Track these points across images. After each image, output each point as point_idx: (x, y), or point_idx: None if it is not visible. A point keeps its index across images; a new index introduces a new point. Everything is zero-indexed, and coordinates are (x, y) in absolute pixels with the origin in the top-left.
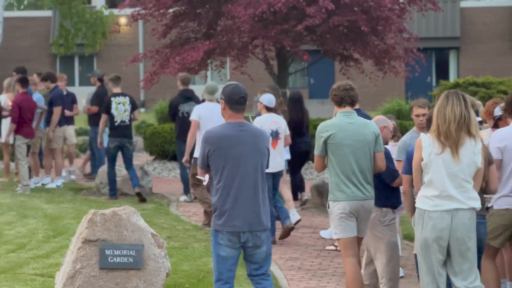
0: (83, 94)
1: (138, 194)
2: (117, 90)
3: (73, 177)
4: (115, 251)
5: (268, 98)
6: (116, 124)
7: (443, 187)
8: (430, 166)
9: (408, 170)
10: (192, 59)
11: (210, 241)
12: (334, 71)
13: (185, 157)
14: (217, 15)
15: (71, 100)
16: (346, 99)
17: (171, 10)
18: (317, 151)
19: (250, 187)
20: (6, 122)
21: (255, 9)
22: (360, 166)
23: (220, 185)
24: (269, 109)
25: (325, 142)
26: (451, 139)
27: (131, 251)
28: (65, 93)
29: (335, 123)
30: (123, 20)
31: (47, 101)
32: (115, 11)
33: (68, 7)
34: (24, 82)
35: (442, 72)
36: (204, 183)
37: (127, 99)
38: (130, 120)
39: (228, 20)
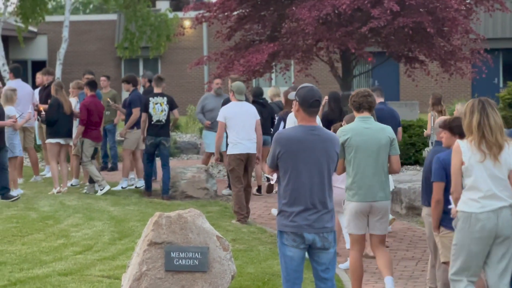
0: None
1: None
2: (157, 90)
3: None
4: (180, 253)
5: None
6: (152, 123)
7: (488, 187)
8: (471, 170)
9: (442, 177)
10: (257, 61)
11: (276, 243)
12: (399, 73)
13: (216, 156)
14: (281, 17)
15: None
16: (364, 105)
17: (235, 13)
18: None
19: (317, 190)
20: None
21: (319, 11)
22: (374, 169)
23: (287, 187)
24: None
25: (343, 145)
26: (496, 147)
27: (196, 254)
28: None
29: (352, 128)
30: (187, 23)
31: (119, 102)
32: (180, 14)
33: (133, 11)
34: (92, 85)
35: (510, 73)
36: (272, 182)
37: (164, 100)
38: (168, 120)
39: (293, 23)
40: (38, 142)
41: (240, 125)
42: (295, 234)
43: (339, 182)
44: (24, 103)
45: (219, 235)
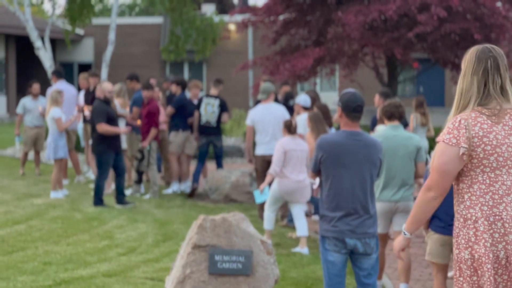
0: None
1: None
2: (213, 91)
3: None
4: (224, 256)
5: (303, 99)
6: (202, 123)
7: None
8: None
9: None
10: (302, 66)
11: (319, 248)
12: (444, 79)
13: (247, 158)
14: (327, 22)
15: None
16: (395, 114)
17: (281, 17)
18: None
19: (359, 196)
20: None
21: (365, 16)
22: (400, 173)
23: (329, 192)
24: (305, 109)
25: None
26: None
27: (240, 257)
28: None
29: (382, 134)
30: (232, 27)
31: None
32: (225, 17)
33: (179, 14)
34: (150, 88)
35: None
36: (314, 186)
37: (216, 102)
38: (218, 121)
39: (338, 28)
40: (82, 144)
41: (266, 127)
42: (336, 239)
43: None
44: (69, 105)
45: (263, 239)
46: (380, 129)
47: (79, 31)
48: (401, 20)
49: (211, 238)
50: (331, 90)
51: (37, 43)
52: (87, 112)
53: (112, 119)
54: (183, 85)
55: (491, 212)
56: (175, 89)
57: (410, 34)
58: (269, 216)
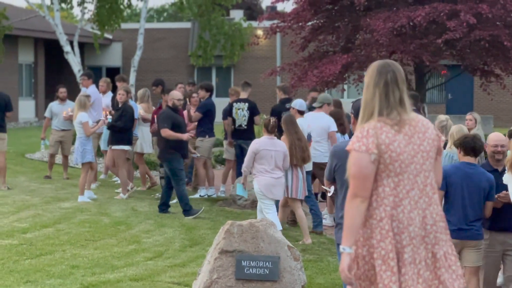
0: (221, 105)
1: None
2: (242, 95)
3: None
4: (251, 262)
5: (299, 103)
6: (235, 127)
7: None
8: None
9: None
10: (330, 72)
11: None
12: (473, 87)
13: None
14: (355, 28)
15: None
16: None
17: (309, 23)
18: None
19: None
20: (145, 132)
21: (394, 22)
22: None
23: (345, 199)
24: (301, 113)
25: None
26: None
27: (267, 263)
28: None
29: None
30: (260, 32)
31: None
32: (253, 23)
33: (208, 19)
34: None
35: None
36: (329, 194)
37: (246, 105)
38: (249, 124)
39: (367, 34)
40: (103, 147)
41: (320, 134)
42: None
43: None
44: (97, 109)
45: (290, 244)
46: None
47: (108, 35)
48: (430, 27)
49: (238, 244)
50: (358, 97)
51: (66, 47)
52: (109, 116)
53: (178, 126)
54: (210, 90)
55: (392, 212)
56: (203, 94)
57: (439, 40)
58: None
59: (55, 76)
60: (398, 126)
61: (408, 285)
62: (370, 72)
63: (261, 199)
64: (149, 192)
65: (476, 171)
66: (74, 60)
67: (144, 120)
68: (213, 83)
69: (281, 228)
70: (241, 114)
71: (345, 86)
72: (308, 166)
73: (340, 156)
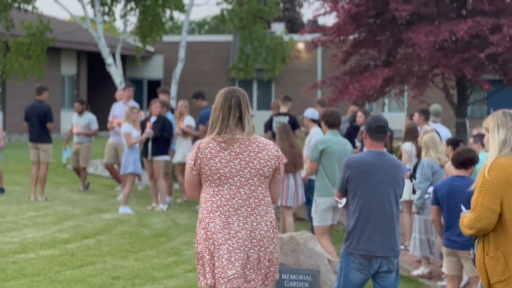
0: (263, 119)
1: None
2: (283, 109)
3: None
4: (291, 275)
5: (311, 112)
6: (275, 141)
7: None
8: None
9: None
10: (371, 86)
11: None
12: None
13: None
14: (397, 42)
15: None
16: (336, 123)
17: (351, 37)
18: None
19: (386, 214)
20: (186, 143)
21: (436, 36)
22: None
23: (357, 209)
24: (314, 121)
25: (322, 151)
26: None
27: (307, 276)
28: None
29: (327, 139)
30: (300, 45)
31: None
32: (295, 36)
33: (249, 32)
34: None
35: None
36: (340, 206)
37: (286, 119)
38: None
39: (408, 48)
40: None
41: None
42: (363, 257)
43: None
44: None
45: (330, 258)
46: (321, 134)
47: (150, 48)
48: (472, 41)
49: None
50: (399, 111)
51: (109, 59)
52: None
53: None
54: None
55: (209, 215)
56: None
57: (481, 54)
58: None
59: (96, 88)
60: (225, 144)
61: (223, 279)
62: (218, 97)
63: None
64: (189, 204)
65: (464, 183)
66: (116, 72)
67: (185, 133)
68: (254, 96)
69: None
70: None
71: (386, 100)
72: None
73: (355, 166)
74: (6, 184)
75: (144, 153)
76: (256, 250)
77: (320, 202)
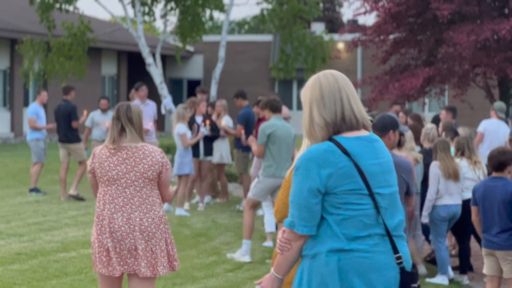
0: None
1: None
2: None
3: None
4: None
5: None
6: None
7: None
8: None
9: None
10: (411, 86)
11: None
12: None
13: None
14: (438, 42)
15: None
16: (279, 107)
17: (391, 37)
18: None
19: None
20: (222, 143)
21: (478, 36)
22: (285, 154)
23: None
24: None
25: (269, 136)
26: None
27: None
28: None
29: (274, 124)
30: (340, 45)
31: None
32: (335, 36)
33: (289, 32)
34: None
35: None
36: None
37: None
38: None
39: (449, 47)
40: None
41: (494, 140)
42: None
43: None
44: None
45: None
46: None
47: (189, 48)
48: None
49: None
50: (439, 111)
51: (149, 59)
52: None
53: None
54: (242, 97)
55: (101, 213)
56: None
57: None
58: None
59: None
60: (114, 151)
61: (114, 268)
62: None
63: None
64: (229, 204)
65: (500, 184)
66: (156, 72)
67: (227, 132)
68: (294, 96)
69: (273, 230)
70: None
71: (426, 100)
72: None
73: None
74: (48, 184)
75: (194, 153)
76: (140, 242)
77: (262, 180)
